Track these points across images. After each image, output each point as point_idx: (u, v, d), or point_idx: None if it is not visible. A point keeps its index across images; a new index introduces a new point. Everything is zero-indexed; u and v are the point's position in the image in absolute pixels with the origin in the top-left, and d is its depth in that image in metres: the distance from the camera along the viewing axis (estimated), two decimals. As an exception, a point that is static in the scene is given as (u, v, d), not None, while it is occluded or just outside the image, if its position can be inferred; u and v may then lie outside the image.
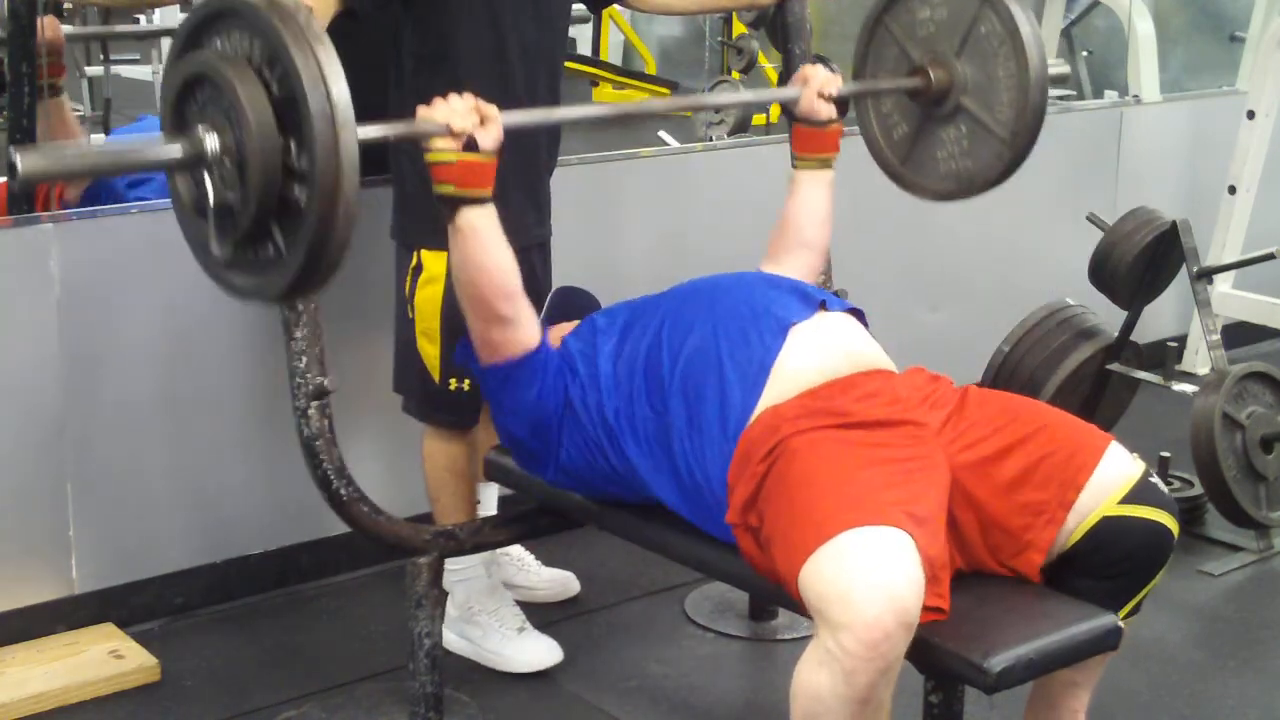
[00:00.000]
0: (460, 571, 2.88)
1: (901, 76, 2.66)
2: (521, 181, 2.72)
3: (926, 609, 1.93)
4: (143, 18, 5.87)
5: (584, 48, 9.37)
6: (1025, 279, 4.23)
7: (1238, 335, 4.58)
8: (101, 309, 2.90)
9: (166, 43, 5.24)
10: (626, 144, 4.24)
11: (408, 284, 2.71)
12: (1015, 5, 2.52)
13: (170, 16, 5.29)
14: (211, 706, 2.74)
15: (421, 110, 2.18)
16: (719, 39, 6.66)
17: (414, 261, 2.70)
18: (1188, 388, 3.52)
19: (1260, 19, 4.86)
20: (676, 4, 3.14)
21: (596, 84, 8.89)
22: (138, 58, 6.18)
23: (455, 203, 2.20)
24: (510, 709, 2.75)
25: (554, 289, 2.71)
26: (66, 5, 5.32)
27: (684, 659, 2.94)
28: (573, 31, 8.04)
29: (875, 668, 1.87)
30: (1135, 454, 2.19)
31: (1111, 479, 2.13)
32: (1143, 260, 3.57)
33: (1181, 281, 3.70)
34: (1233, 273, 4.30)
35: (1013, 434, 2.17)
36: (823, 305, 2.34)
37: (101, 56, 5.38)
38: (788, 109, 2.70)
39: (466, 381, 2.70)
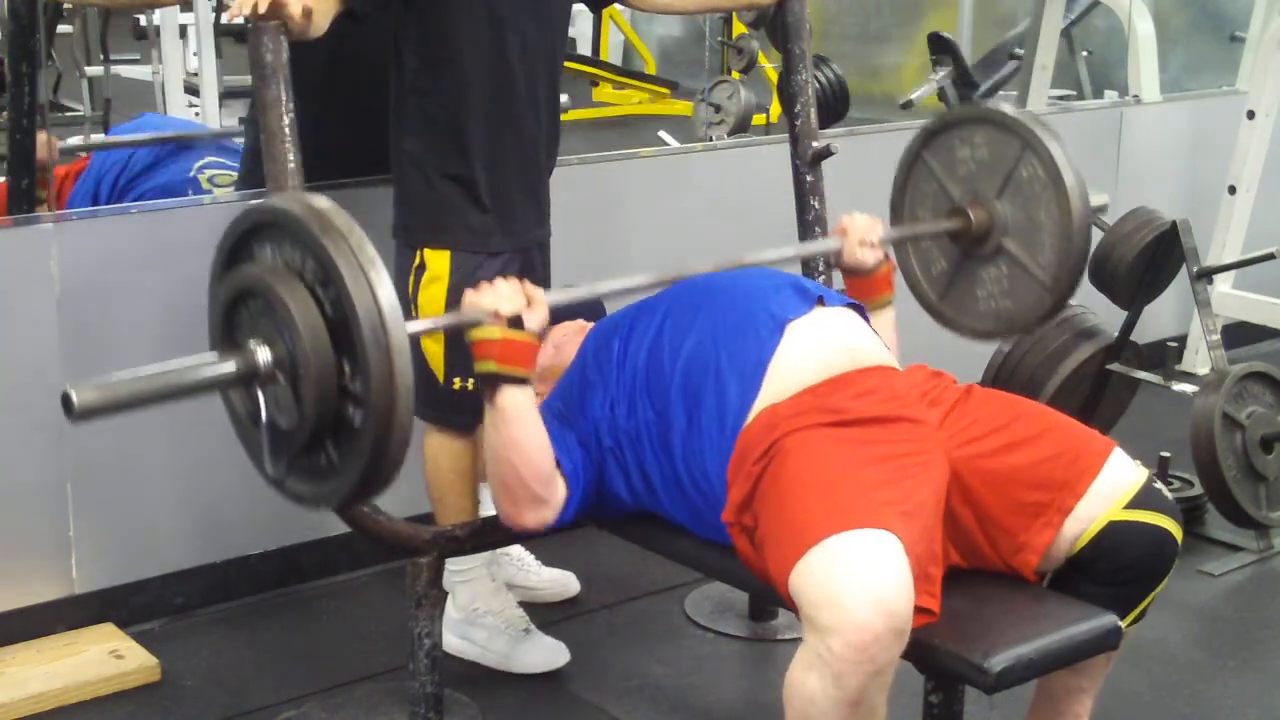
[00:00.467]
0: (463, 573, 2.87)
1: (941, 216, 2.63)
2: (521, 181, 2.72)
3: (917, 610, 1.93)
4: (142, 18, 5.86)
5: (584, 48, 9.38)
6: (1025, 279, 4.22)
7: (1238, 335, 4.57)
8: (101, 309, 2.90)
9: (166, 42, 5.24)
10: (626, 144, 4.24)
11: (410, 283, 2.69)
12: (1058, 150, 2.48)
13: (170, 16, 5.28)
14: (211, 706, 2.74)
15: (468, 295, 2.17)
16: (719, 39, 6.68)
17: (417, 261, 2.68)
18: (1188, 388, 3.52)
19: (1260, 19, 4.86)
20: (677, 4, 3.15)
21: (596, 84, 8.91)
22: (138, 58, 6.18)
23: (496, 380, 2.17)
24: (510, 709, 2.75)
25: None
26: (66, 5, 5.33)
27: (684, 659, 2.94)
28: (572, 31, 8.04)
29: (865, 670, 1.87)
30: (1137, 460, 2.19)
31: (1115, 485, 2.13)
32: (1143, 260, 3.56)
33: (1181, 281, 3.69)
34: (1233, 273, 4.29)
35: (1015, 433, 2.17)
36: (820, 301, 2.34)
37: (101, 56, 5.38)
38: (834, 261, 2.62)
39: (470, 381, 2.68)
